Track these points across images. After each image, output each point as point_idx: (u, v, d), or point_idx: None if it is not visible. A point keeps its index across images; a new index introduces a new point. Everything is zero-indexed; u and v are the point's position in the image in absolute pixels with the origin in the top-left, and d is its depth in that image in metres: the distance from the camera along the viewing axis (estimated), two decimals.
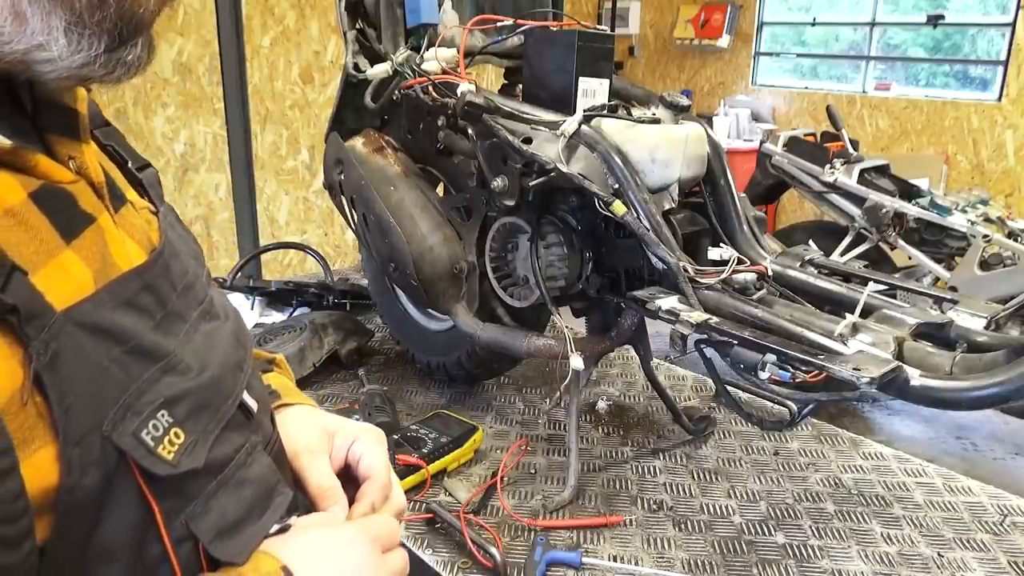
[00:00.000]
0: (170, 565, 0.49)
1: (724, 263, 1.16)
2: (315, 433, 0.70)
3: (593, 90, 1.30)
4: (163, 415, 0.48)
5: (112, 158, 0.60)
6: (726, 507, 1.21)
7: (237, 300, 1.95)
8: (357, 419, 1.33)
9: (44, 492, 0.42)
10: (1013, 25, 4.59)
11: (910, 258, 3.09)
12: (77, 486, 0.43)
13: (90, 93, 0.63)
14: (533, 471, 1.30)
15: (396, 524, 0.65)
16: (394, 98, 1.42)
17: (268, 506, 0.57)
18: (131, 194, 0.59)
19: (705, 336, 1.08)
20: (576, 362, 1.22)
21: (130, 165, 0.62)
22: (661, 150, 1.21)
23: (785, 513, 1.20)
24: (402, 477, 1.18)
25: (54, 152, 0.51)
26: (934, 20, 4.98)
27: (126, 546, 0.46)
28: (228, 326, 0.62)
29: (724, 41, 5.85)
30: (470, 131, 1.30)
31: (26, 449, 0.41)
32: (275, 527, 0.56)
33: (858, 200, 3.07)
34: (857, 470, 1.34)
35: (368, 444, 0.72)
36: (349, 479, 0.70)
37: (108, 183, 0.55)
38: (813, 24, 5.62)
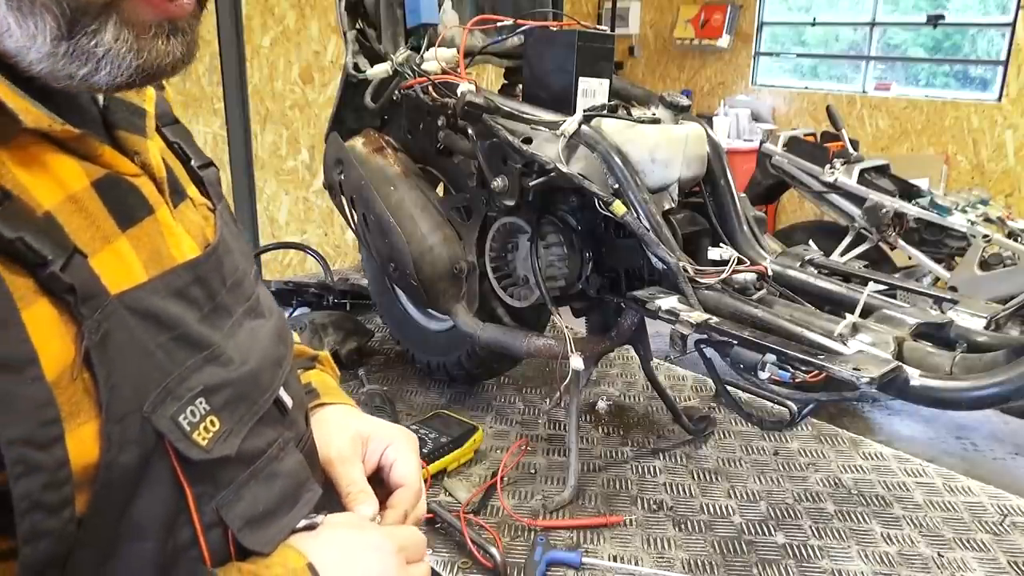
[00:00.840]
0: (199, 548, 0.50)
1: (724, 263, 1.16)
2: (348, 438, 0.71)
3: (593, 90, 1.30)
4: (201, 402, 0.50)
5: (177, 155, 0.63)
6: (726, 507, 1.21)
7: None
8: None
9: (85, 466, 0.43)
10: (1013, 25, 4.59)
11: (910, 258, 3.09)
12: (115, 463, 0.44)
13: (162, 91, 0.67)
14: (533, 471, 1.30)
15: (423, 537, 0.65)
16: (394, 98, 1.42)
17: (297, 501, 0.58)
18: (192, 190, 0.61)
19: (705, 336, 1.08)
20: (576, 362, 1.22)
21: (193, 163, 0.64)
22: (661, 150, 1.21)
23: (785, 513, 1.20)
24: None
25: (121, 146, 0.53)
26: (934, 20, 4.97)
27: (158, 526, 0.47)
28: (271, 324, 0.63)
29: (724, 41, 5.85)
30: (470, 131, 1.30)
31: (72, 422, 0.43)
32: (303, 522, 0.57)
33: (858, 200, 3.07)
34: (857, 470, 1.34)
35: (402, 450, 0.72)
36: (380, 483, 0.71)
37: (170, 179, 0.57)
38: (813, 24, 5.62)
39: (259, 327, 0.61)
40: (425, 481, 1.20)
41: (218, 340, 0.54)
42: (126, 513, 0.46)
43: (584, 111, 1.22)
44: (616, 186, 1.18)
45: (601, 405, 1.54)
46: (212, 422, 0.50)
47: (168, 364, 0.49)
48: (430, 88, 1.34)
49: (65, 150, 0.48)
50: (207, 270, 0.56)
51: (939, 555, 1.10)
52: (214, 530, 0.51)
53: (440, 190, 1.54)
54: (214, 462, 0.50)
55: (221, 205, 0.65)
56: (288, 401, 0.61)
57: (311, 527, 0.58)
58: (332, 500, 0.68)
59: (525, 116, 1.25)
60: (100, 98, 0.55)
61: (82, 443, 0.43)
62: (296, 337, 0.84)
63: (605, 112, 1.23)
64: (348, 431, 0.72)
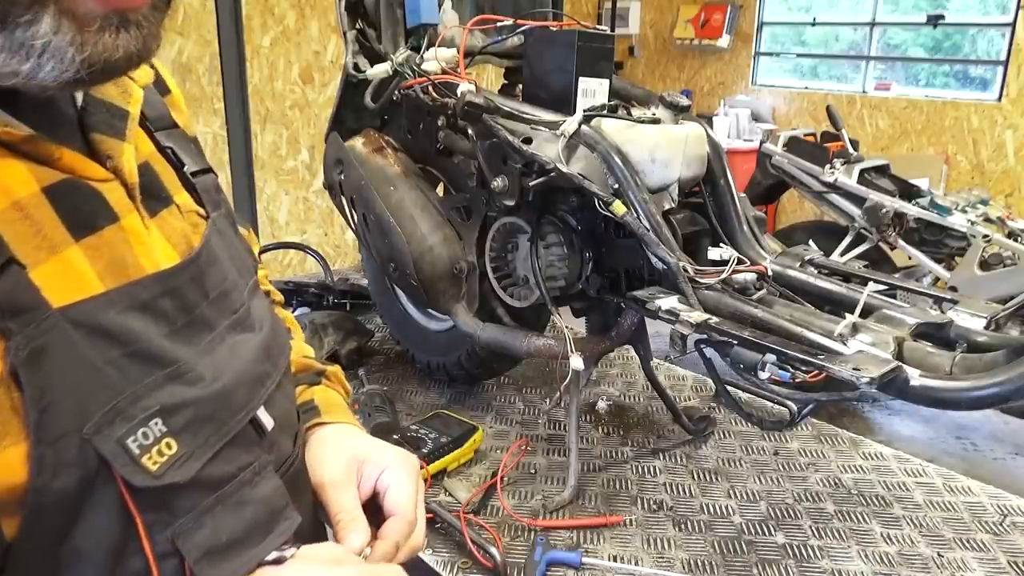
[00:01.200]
0: None
1: (724, 263, 1.16)
2: (343, 461, 0.67)
3: (593, 90, 1.30)
4: (156, 423, 0.47)
5: (169, 160, 0.60)
6: (726, 507, 1.21)
7: None
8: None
9: (11, 489, 0.41)
10: (1013, 25, 4.59)
11: (910, 258, 3.09)
12: (48, 488, 0.42)
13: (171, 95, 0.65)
14: (533, 471, 1.30)
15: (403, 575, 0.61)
16: (394, 98, 1.42)
17: (271, 530, 0.54)
18: (181, 197, 0.59)
19: (705, 336, 1.08)
20: (576, 362, 1.22)
21: (187, 169, 0.61)
22: (661, 150, 1.21)
23: (785, 513, 1.20)
24: None
25: (94, 149, 0.51)
26: (934, 20, 4.97)
27: (104, 554, 0.45)
28: (259, 339, 0.60)
29: (724, 41, 5.85)
30: (470, 131, 1.30)
31: None
32: (272, 555, 0.53)
33: (858, 200, 3.07)
34: (857, 470, 1.34)
35: (398, 476, 0.67)
36: (378, 509, 0.67)
37: (149, 185, 0.54)
38: (813, 24, 5.62)
39: (243, 342, 0.57)
40: (425, 481, 1.21)
41: (187, 356, 0.50)
42: (67, 539, 0.43)
43: (584, 111, 1.22)
44: (616, 186, 1.18)
45: (601, 405, 1.54)
46: (168, 445, 0.47)
47: (120, 382, 0.46)
48: (430, 88, 1.34)
49: (17, 154, 0.45)
50: (182, 281, 0.53)
51: (939, 555, 1.10)
52: (169, 560, 0.47)
53: (440, 190, 1.54)
54: (166, 488, 0.46)
55: (218, 213, 0.62)
56: (268, 422, 0.57)
57: (279, 561, 0.53)
58: (320, 528, 0.65)
59: (525, 116, 1.25)
60: (79, 100, 0.52)
61: (8, 466, 0.41)
62: (309, 351, 0.81)
63: (605, 112, 1.23)
64: (343, 454, 0.68)
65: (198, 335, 0.53)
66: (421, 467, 1.18)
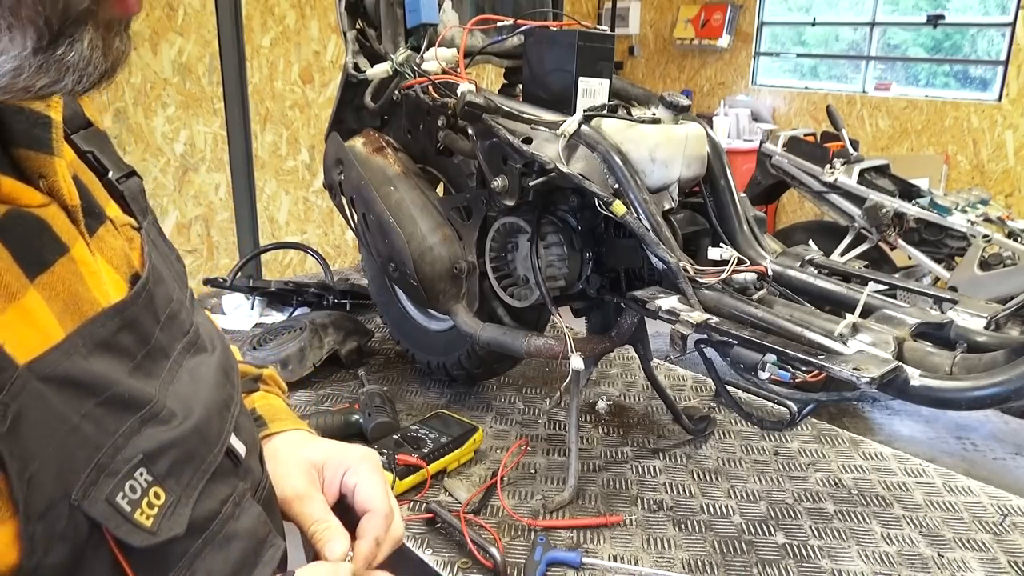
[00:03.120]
0: None
1: (724, 263, 1.16)
2: (303, 472, 0.64)
3: (593, 90, 1.30)
4: (142, 473, 0.43)
5: (91, 167, 0.54)
6: (726, 507, 1.21)
7: (237, 300, 1.95)
8: (357, 419, 1.34)
9: (2, 573, 0.37)
10: (1013, 25, 4.59)
11: (910, 258, 3.09)
12: (41, 566, 0.37)
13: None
14: (533, 471, 1.30)
15: None
16: (394, 98, 1.42)
17: (259, 560, 0.51)
18: (112, 209, 0.52)
19: (705, 336, 1.08)
20: (576, 362, 1.22)
21: (111, 175, 0.55)
22: (661, 150, 1.21)
23: (785, 513, 1.20)
24: (402, 477, 1.18)
25: (22, 169, 0.45)
26: (934, 20, 4.98)
27: None
28: (214, 359, 0.56)
29: (724, 41, 5.86)
30: (470, 131, 1.30)
31: None
32: None
33: (858, 200, 3.08)
34: (857, 470, 1.34)
35: (362, 473, 0.65)
36: (347, 509, 0.64)
37: (84, 202, 0.48)
38: (813, 24, 5.62)
39: (201, 365, 0.53)
40: (424, 481, 1.21)
41: (155, 392, 0.46)
42: None
43: (584, 111, 1.22)
44: (616, 186, 1.18)
45: (601, 405, 1.54)
46: (156, 494, 0.43)
47: (98, 436, 0.41)
48: (430, 88, 1.34)
49: None
50: (137, 311, 0.48)
51: (939, 555, 1.10)
52: None
53: (440, 190, 1.54)
54: (162, 542, 0.43)
55: (147, 221, 0.56)
56: (241, 448, 0.54)
57: None
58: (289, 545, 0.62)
59: (525, 116, 1.25)
60: None
61: None
62: (238, 353, 0.75)
63: (605, 112, 1.23)
64: (301, 464, 0.64)
65: (157, 365, 0.48)
66: (421, 467, 1.19)
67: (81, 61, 0.40)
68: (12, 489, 0.37)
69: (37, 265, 0.42)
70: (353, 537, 0.62)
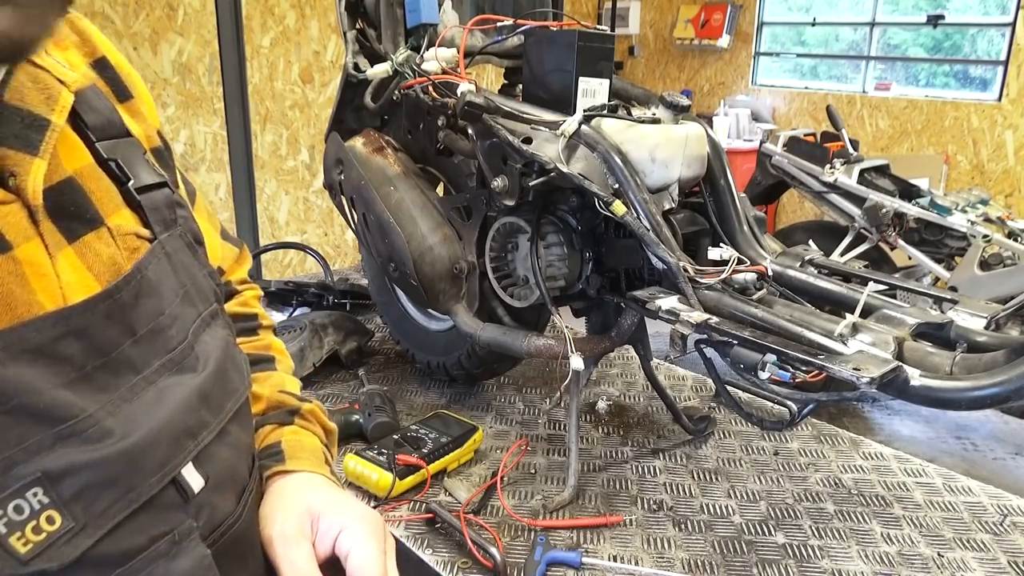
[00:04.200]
0: None
1: (724, 263, 1.16)
2: (296, 514, 0.59)
3: (593, 90, 1.30)
4: (35, 494, 0.39)
5: (111, 174, 0.53)
6: (726, 507, 1.21)
7: None
8: (357, 419, 1.34)
9: None
10: (1013, 25, 4.59)
11: (910, 258, 3.09)
12: None
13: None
14: (533, 471, 1.30)
15: None
16: (394, 98, 1.42)
17: None
18: (119, 218, 0.51)
19: (705, 336, 1.08)
20: (576, 362, 1.22)
21: (132, 184, 0.53)
22: (661, 150, 1.21)
23: (785, 513, 1.20)
24: (402, 477, 1.18)
25: None
26: (934, 20, 4.98)
27: None
28: (197, 381, 0.52)
29: (724, 41, 5.86)
30: (470, 131, 1.30)
31: None
32: None
33: (858, 200, 3.08)
34: (857, 470, 1.34)
35: (358, 537, 0.59)
36: (338, 569, 0.59)
37: (70, 204, 0.47)
38: (813, 24, 5.62)
39: (174, 386, 0.49)
40: (424, 481, 1.21)
41: (93, 408, 0.43)
42: None
43: (584, 111, 1.22)
44: (616, 186, 1.18)
45: (601, 405, 1.54)
46: (49, 519, 0.39)
47: None
48: (430, 88, 1.34)
49: None
50: (94, 319, 0.45)
51: (939, 555, 1.10)
52: None
53: (440, 190, 1.54)
54: (40, 574, 0.39)
55: (169, 234, 0.54)
56: (195, 482, 0.49)
57: None
58: None
59: (525, 116, 1.25)
60: None
61: None
62: (291, 383, 0.72)
63: (605, 112, 1.23)
64: (297, 506, 0.60)
65: (115, 379, 0.45)
66: (421, 467, 1.19)
67: None
68: None
69: None
70: None
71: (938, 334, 1.03)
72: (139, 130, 0.58)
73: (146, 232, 0.53)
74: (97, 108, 0.54)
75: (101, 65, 0.58)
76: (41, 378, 0.41)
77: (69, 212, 0.47)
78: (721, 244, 1.22)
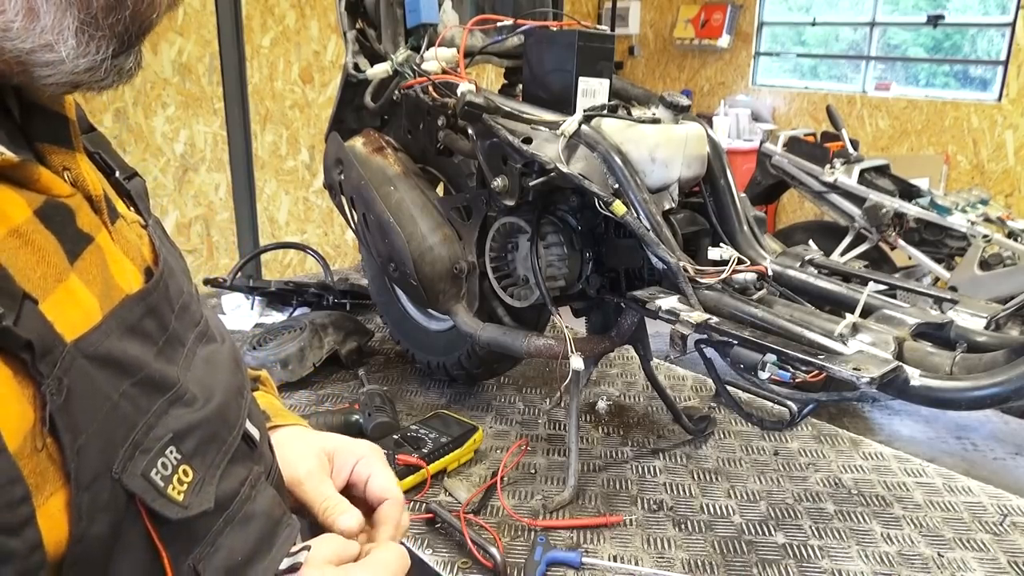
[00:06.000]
0: None
1: (724, 263, 1.16)
2: (314, 455, 0.67)
3: (593, 90, 1.30)
4: (172, 452, 0.45)
5: (99, 167, 0.55)
6: (726, 507, 1.21)
7: (237, 300, 1.95)
8: (357, 419, 1.34)
9: (57, 544, 0.38)
10: (1013, 25, 4.59)
11: (910, 258, 3.09)
12: (86, 536, 0.39)
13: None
14: (533, 471, 1.30)
15: (407, 560, 0.60)
16: (394, 98, 1.42)
17: (275, 541, 0.53)
18: (121, 207, 0.55)
19: (705, 336, 1.08)
20: (576, 362, 1.22)
21: (118, 175, 0.57)
22: (661, 150, 1.21)
23: (785, 513, 1.20)
24: (402, 477, 1.18)
25: (48, 163, 0.47)
26: (934, 20, 4.98)
27: None
28: (226, 348, 0.58)
29: (724, 41, 5.86)
30: (470, 131, 1.30)
31: (39, 496, 0.38)
32: (286, 562, 0.52)
33: (858, 200, 3.08)
34: (857, 470, 1.34)
35: (374, 464, 0.68)
36: (354, 499, 0.66)
37: (105, 196, 0.51)
38: (813, 24, 5.62)
39: (214, 353, 0.55)
40: (424, 481, 1.21)
41: (178, 376, 0.48)
42: None
43: (584, 111, 1.22)
44: (616, 186, 1.18)
45: (601, 405, 1.54)
46: (185, 472, 0.45)
47: (134, 413, 0.43)
48: (430, 88, 1.34)
49: (1, 178, 0.41)
50: (157, 298, 0.50)
51: (939, 555, 1.10)
52: None
53: (440, 190, 1.54)
54: (191, 518, 0.45)
55: (152, 220, 0.58)
56: (256, 433, 0.56)
57: (294, 568, 0.52)
58: (307, 527, 0.64)
59: (525, 116, 1.25)
60: (15, 109, 0.47)
61: (51, 519, 0.38)
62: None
63: (605, 112, 1.23)
64: (312, 448, 0.67)
65: (175, 352, 0.50)
66: (421, 467, 1.19)
67: (131, 68, 0.45)
68: (65, 460, 0.39)
69: (73, 251, 0.44)
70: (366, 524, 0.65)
71: (938, 334, 1.03)
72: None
73: (139, 219, 0.56)
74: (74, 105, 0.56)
75: None
76: (145, 353, 0.46)
77: (105, 203, 0.51)
78: (721, 244, 1.22)
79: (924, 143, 5.03)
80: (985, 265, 2.80)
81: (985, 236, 2.85)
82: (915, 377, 0.93)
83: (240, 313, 1.91)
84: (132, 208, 0.57)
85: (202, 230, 4.15)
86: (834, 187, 3.13)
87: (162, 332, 0.49)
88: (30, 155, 0.46)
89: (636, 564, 1.06)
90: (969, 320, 1.04)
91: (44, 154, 0.47)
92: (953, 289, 2.61)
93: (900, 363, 0.94)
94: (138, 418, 0.44)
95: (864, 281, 1.16)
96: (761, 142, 3.45)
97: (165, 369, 0.47)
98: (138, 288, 0.49)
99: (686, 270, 1.13)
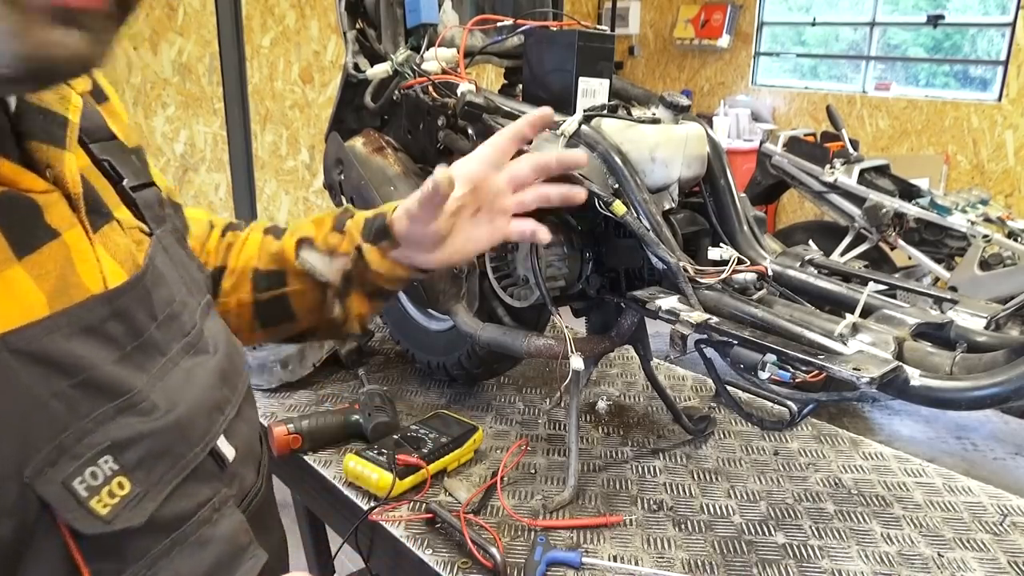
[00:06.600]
0: None
1: (724, 263, 1.16)
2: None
3: (593, 90, 1.30)
4: (107, 461, 0.42)
5: (105, 173, 0.56)
6: (726, 507, 1.21)
7: None
8: (357, 419, 1.34)
9: None
10: (1013, 25, 4.59)
11: (910, 258, 3.10)
12: None
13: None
14: (533, 471, 1.30)
15: None
16: (394, 98, 1.42)
17: (234, 570, 0.50)
18: (122, 213, 0.55)
19: (705, 336, 1.08)
20: (576, 362, 1.22)
21: (126, 183, 0.57)
22: (661, 150, 1.21)
23: (785, 513, 1.20)
24: (402, 477, 1.18)
25: (31, 158, 0.47)
26: (934, 20, 4.98)
27: None
28: (214, 362, 0.56)
29: (724, 41, 5.86)
30: (470, 131, 1.30)
31: None
32: None
33: (858, 200, 3.08)
34: (857, 470, 1.34)
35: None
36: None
37: (89, 197, 0.50)
38: (813, 24, 5.62)
39: (198, 366, 0.54)
40: (424, 481, 1.21)
41: (140, 384, 0.47)
42: None
43: (584, 111, 1.22)
44: (616, 186, 1.18)
45: (601, 405, 1.54)
46: (120, 484, 0.43)
47: (67, 416, 0.41)
48: (430, 88, 1.34)
49: None
50: (130, 302, 0.49)
51: (939, 555, 1.10)
52: None
53: None
54: (117, 533, 0.42)
55: (162, 230, 0.58)
56: (229, 453, 0.53)
57: None
58: (286, 566, 0.62)
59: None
60: (12, 105, 0.48)
61: None
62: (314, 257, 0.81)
63: (605, 112, 1.23)
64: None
65: (149, 360, 0.49)
66: (421, 467, 1.18)
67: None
68: None
69: (27, 245, 0.43)
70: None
71: (938, 334, 1.03)
72: (118, 130, 0.61)
73: (144, 227, 0.56)
74: (88, 112, 0.56)
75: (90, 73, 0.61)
76: (98, 355, 0.44)
77: (90, 205, 0.50)
78: (721, 244, 1.22)
79: (924, 143, 5.03)
80: (985, 265, 2.80)
81: (985, 236, 2.85)
82: (915, 377, 0.93)
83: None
84: (140, 217, 0.57)
85: None
86: (834, 187, 3.14)
87: (132, 338, 0.48)
88: (12, 148, 0.46)
89: (636, 564, 1.06)
90: (969, 320, 1.04)
91: (31, 150, 0.47)
92: (953, 289, 2.61)
93: (900, 363, 0.94)
94: (71, 421, 0.42)
95: (864, 281, 1.16)
96: (761, 142, 3.46)
97: (123, 375, 0.46)
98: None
99: (686, 270, 1.13)
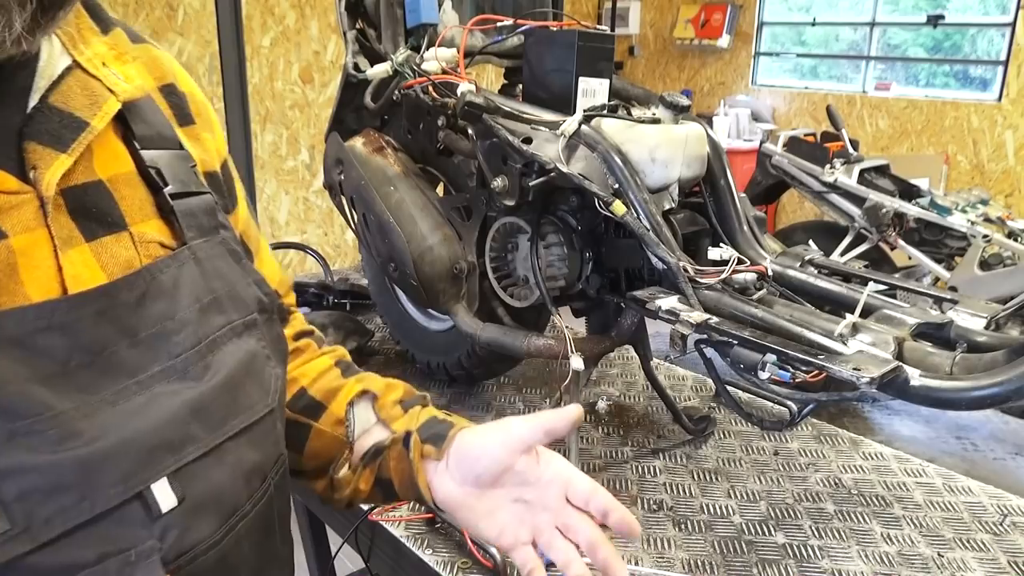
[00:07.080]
0: None
1: (724, 263, 1.16)
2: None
3: (593, 90, 1.30)
4: None
5: (149, 183, 0.54)
6: (726, 507, 1.21)
7: None
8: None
9: None
10: (1013, 25, 4.59)
11: (910, 258, 3.10)
12: None
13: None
14: None
15: None
16: (394, 98, 1.42)
17: None
18: (146, 227, 0.52)
19: (705, 336, 1.08)
20: (576, 362, 1.22)
21: (168, 190, 0.54)
22: (661, 150, 1.21)
23: (785, 513, 1.20)
24: None
25: (24, 158, 0.45)
26: (934, 20, 4.98)
27: None
28: (195, 393, 0.49)
29: (724, 41, 5.86)
30: (470, 131, 1.30)
31: None
32: None
33: (858, 200, 3.08)
34: (857, 470, 1.34)
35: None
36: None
37: (92, 206, 0.48)
38: (813, 24, 5.62)
39: (169, 395, 0.47)
40: None
41: (63, 407, 0.41)
42: None
43: (584, 111, 1.22)
44: (616, 186, 1.18)
45: (601, 405, 1.54)
46: None
47: None
48: (430, 88, 1.34)
49: None
50: (81, 315, 0.44)
51: (939, 555, 1.10)
52: None
53: (440, 190, 1.54)
54: None
55: (204, 241, 0.55)
56: (165, 501, 0.45)
57: None
58: None
59: (525, 116, 1.25)
60: (32, 103, 0.47)
61: None
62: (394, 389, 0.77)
63: (605, 112, 1.23)
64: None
65: (102, 380, 0.44)
66: None
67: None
68: None
69: None
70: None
71: (938, 334, 1.03)
72: (195, 153, 0.60)
73: (172, 242, 0.53)
74: (149, 120, 0.55)
75: (168, 90, 0.61)
76: (12, 371, 0.40)
77: (90, 212, 0.48)
78: (721, 244, 1.22)
79: (924, 143, 5.03)
80: (985, 265, 2.80)
81: (985, 236, 2.85)
82: (915, 377, 0.93)
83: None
84: (174, 227, 0.54)
85: None
86: (834, 187, 3.14)
87: (80, 354, 0.44)
88: (13, 149, 0.45)
89: (636, 564, 1.06)
90: (969, 320, 1.04)
91: (25, 150, 0.46)
92: (953, 289, 2.61)
93: (900, 363, 0.94)
94: None
95: (864, 281, 1.16)
96: (761, 142, 3.46)
97: (39, 395, 0.41)
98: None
99: (686, 270, 1.13)
